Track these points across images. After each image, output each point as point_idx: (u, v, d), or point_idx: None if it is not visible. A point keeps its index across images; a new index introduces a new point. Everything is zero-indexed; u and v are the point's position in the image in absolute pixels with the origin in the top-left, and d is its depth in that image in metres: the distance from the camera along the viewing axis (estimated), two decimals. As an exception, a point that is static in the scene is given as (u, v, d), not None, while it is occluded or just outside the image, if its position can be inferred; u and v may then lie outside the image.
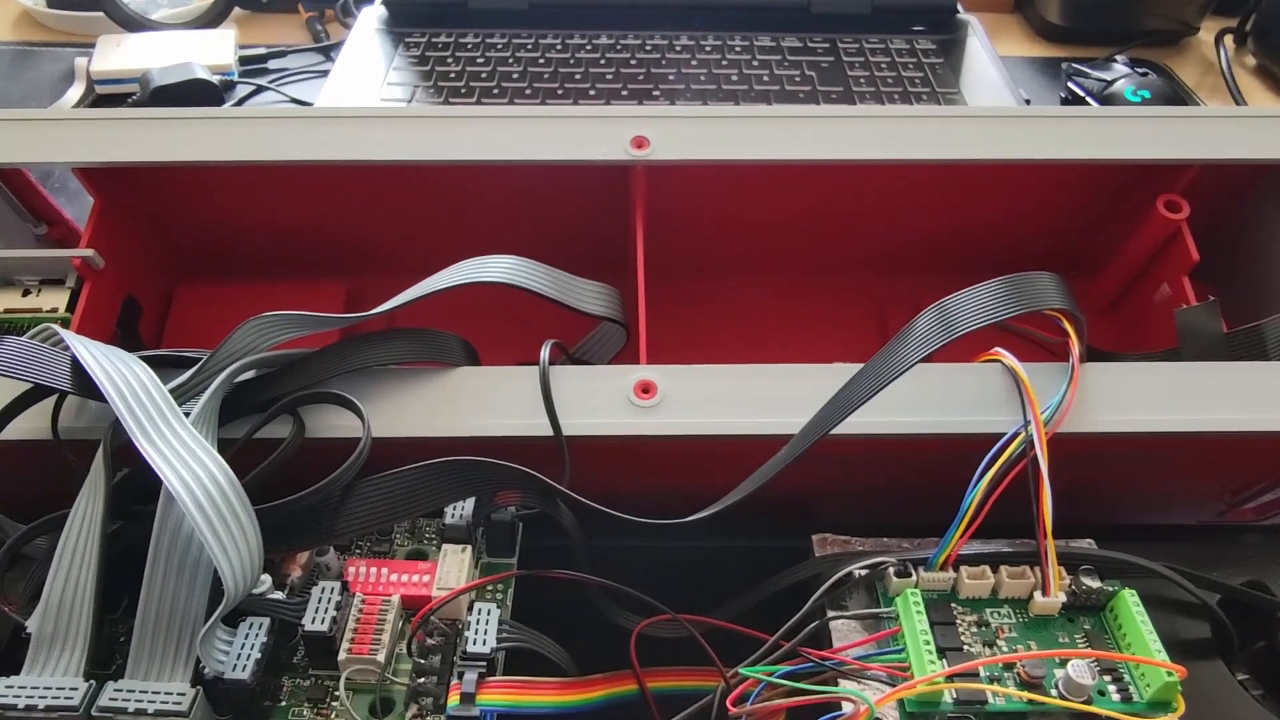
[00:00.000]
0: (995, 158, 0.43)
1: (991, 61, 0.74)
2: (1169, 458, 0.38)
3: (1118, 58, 0.76)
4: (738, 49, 0.74)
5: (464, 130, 0.43)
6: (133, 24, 0.76)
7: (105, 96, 0.71)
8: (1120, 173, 0.45)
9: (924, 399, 0.36)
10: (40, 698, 0.28)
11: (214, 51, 0.73)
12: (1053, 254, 0.50)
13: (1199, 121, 0.43)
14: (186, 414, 0.32)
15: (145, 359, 0.34)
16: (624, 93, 0.69)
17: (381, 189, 0.47)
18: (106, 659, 0.32)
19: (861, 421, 0.34)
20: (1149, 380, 0.36)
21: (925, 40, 0.76)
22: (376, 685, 0.31)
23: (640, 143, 0.42)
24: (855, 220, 0.49)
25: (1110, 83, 0.73)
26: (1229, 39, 0.80)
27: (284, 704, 0.31)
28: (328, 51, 0.78)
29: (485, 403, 0.36)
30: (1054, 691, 0.31)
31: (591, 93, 0.69)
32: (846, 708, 0.30)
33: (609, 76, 0.71)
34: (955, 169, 0.43)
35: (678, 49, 0.74)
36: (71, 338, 0.34)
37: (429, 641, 0.32)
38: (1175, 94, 0.72)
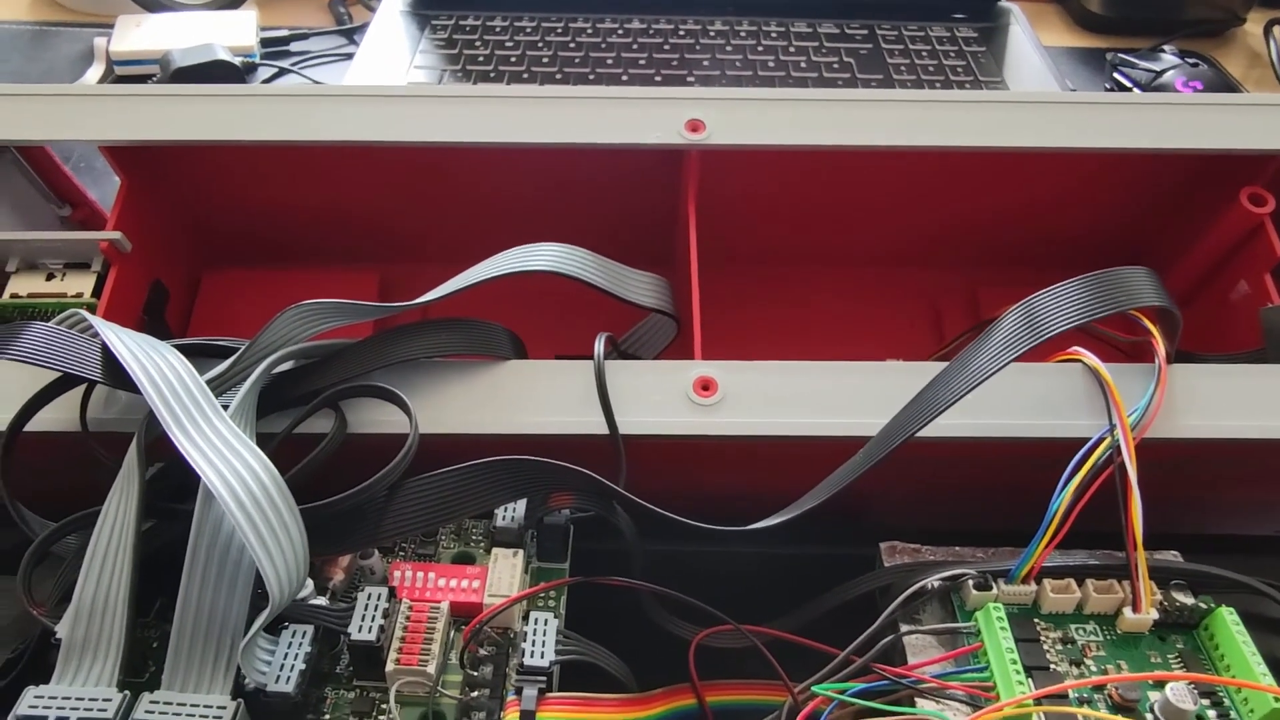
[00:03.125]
0: (1062, 145, 0.40)
1: (1035, 50, 0.71)
2: (1257, 465, 0.36)
3: (1165, 48, 0.74)
4: (773, 35, 0.72)
5: (504, 111, 0.41)
6: (152, 4, 0.74)
7: (124, 77, 0.69)
8: (1195, 163, 0.43)
9: (999, 400, 0.34)
10: (71, 709, 0.26)
11: (235, 33, 0.71)
12: (1116, 247, 0.48)
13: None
14: (224, 407, 0.30)
15: (178, 347, 0.32)
16: (657, 78, 0.67)
17: (416, 172, 0.45)
18: (139, 665, 0.30)
19: (937, 423, 0.32)
20: (1240, 383, 0.34)
21: (966, 28, 0.74)
22: (427, 699, 0.29)
23: (695, 126, 0.40)
24: (913, 210, 0.47)
25: (1159, 73, 0.71)
26: (1278, 29, 0.77)
27: (327, 717, 0.29)
28: (351, 34, 0.76)
29: (536, 398, 0.34)
30: (1149, 716, 0.29)
31: (624, 78, 0.67)
32: (926, 730, 0.28)
33: (641, 61, 0.69)
34: (1020, 157, 0.41)
35: (712, 34, 0.72)
36: (101, 324, 0.32)
37: (481, 652, 0.30)
38: (1228, 86, 0.70)
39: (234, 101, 0.41)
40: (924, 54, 0.71)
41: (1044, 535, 0.31)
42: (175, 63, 0.65)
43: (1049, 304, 0.32)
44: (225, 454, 0.28)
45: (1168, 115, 0.41)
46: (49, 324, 0.32)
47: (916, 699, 0.30)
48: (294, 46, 0.74)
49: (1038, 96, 0.42)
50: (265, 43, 0.73)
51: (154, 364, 0.30)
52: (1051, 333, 0.31)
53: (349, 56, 0.72)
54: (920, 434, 0.32)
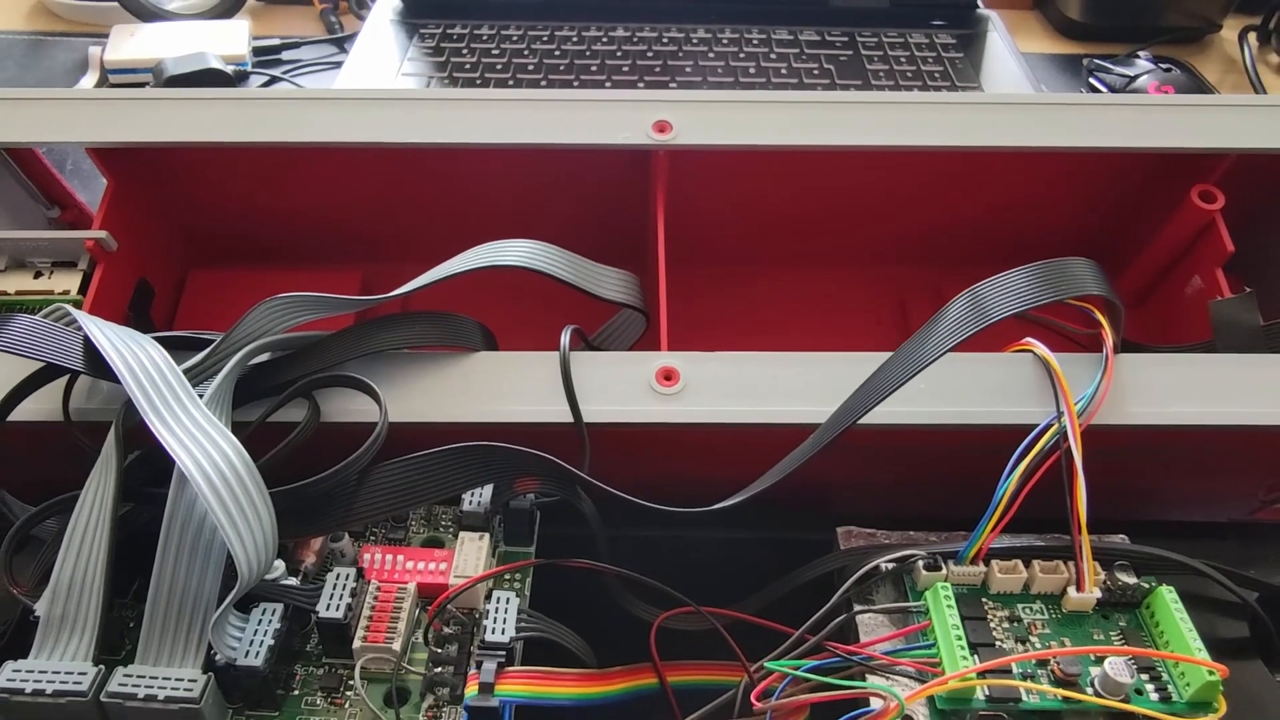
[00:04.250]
0: (1021, 145, 0.42)
1: (1012, 56, 0.73)
2: (1205, 452, 0.37)
3: (1140, 53, 0.75)
4: (755, 42, 0.74)
5: (480, 113, 0.43)
6: (146, 14, 0.76)
7: (119, 85, 0.70)
8: (1151, 162, 0.44)
9: (952, 389, 0.35)
10: (49, 682, 0.27)
11: (228, 42, 0.72)
12: (1078, 245, 0.48)
13: (1232, 111, 0.42)
14: (200, 395, 0.31)
15: (158, 340, 0.33)
16: (640, 85, 0.69)
17: (397, 173, 0.46)
18: (116, 644, 0.31)
19: (889, 411, 0.33)
20: (1186, 372, 0.35)
21: (945, 35, 0.75)
22: (392, 674, 0.30)
23: (663, 127, 0.41)
24: (877, 210, 0.48)
25: (1133, 78, 0.72)
26: (1253, 36, 0.79)
27: (297, 693, 0.30)
28: (341, 43, 0.77)
29: (504, 388, 0.35)
30: (1090, 690, 0.30)
31: (608, 85, 0.69)
32: (875, 704, 0.29)
33: (625, 69, 0.71)
34: (980, 157, 0.43)
35: (694, 41, 0.74)
36: (84, 318, 0.33)
37: (446, 630, 0.31)
38: (1200, 89, 0.71)
39: (218, 105, 0.42)
40: (903, 60, 0.72)
41: (991, 516, 0.32)
42: (168, 71, 0.66)
43: (994, 291, 0.33)
44: (198, 437, 0.29)
45: (1123, 116, 0.42)
46: (34, 317, 0.33)
47: (867, 675, 0.31)
48: (285, 55, 0.76)
49: (998, 98, 0.43)
50: (257, 51, 0.74)
51: (133, 354, 0.31)
52: (995, 318, 0.32)
53: (339, 65, 0.73)
54: (877, 420, 0.33)
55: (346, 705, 0.30)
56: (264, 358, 0.35)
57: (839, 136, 0.42)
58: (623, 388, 0.35)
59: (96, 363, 0.32)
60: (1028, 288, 0.33)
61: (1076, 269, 0.34)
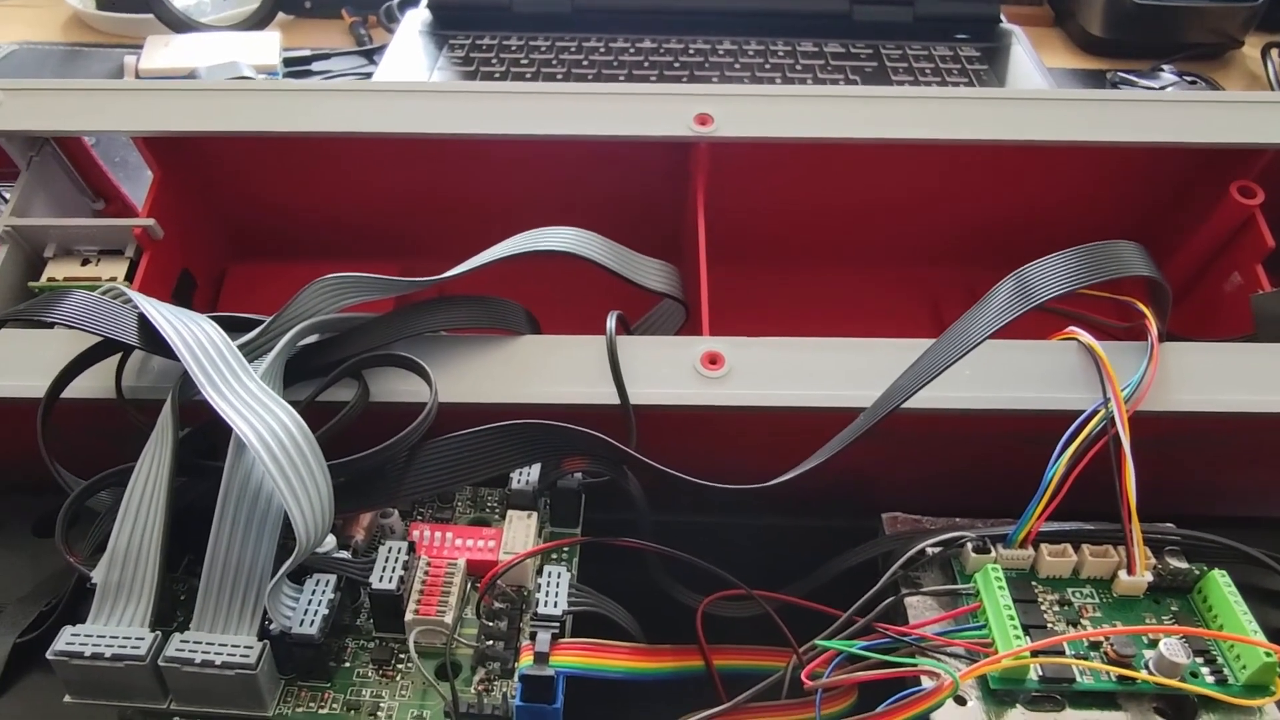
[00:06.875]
0: (1059, 139, 0.42)
1: (1036, 68, 0.73)
2: (1252, 442, 0.37)
3: (1165, 67, 0.76)
4: (780, 53, 0.75)
5: (522, 105, 0.43)
6: (180, 25, 0.77)
7: (154, 92, 0.71)
8: (1189, 158, 0.44)
9: (998, 375, 0.35)
10: (107, 646, 0.27)
11: (259, 52, 0.73)
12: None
13: (1271, 107, 0.42)
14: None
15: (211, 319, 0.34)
16: (668, 94, 0.70)
17: (435, 166, 0.47)
18: (168, 615, 0.31)
19: (935, 395, 0.33)
20: (1232, 360, 0.35)
21: (969, 48, 0.76)
22: (444, 649, 0.30)
23: (704, 119, 0.42)
24: (911, 208, 0.48)
25: (1159, 90, 0.72)
26: (1275, 52, 0.79)
27: (348, 665, 0.30)
28: (371, 55, 0.78)
29: (550, 370, 0.35)
30: (1144, 671, 0.29)
31: (636, 93, 0.69)
32: (926, 683, 0.29)
33: (653, 79, 0.71)
34: (1017, 152, 0.43)
35: (720, 53, 0.74)
36: (138, 296, 0.34)
37: (496, 605, 0.31)
38: (1225, 102, 0.72)
39: (262, 95, 0.43)
40: (927, 71, 0.73)
41: (1040, 500, 0.32)
42: (202, 79, 0.67)
43: (1041, 272, 0.33)
44: (256, 408, 0.29)
45: (1161, 112, 0.43)
46: (90, 293, 0.34)
47: (917, 655, 0.31)
48: (316, 66, 0.77)
49: (1036, 93, 0.44)
50: (288, 62, 0.75)
51: (188, 330, 0.32)
52: (1043, 298, 0.32)
53: (368, 75, 0.74)
54: (923, 405, 0.33)
55: (398, 678, 0.30)
56: (312, 339, 0.35)
57: (879, 129, 0.42)
58: (668, 371, 0.35)
59: (151, 338, 0.32)
60: (1075, 269, 0.33)
61: (1124, 251, 0.34)
